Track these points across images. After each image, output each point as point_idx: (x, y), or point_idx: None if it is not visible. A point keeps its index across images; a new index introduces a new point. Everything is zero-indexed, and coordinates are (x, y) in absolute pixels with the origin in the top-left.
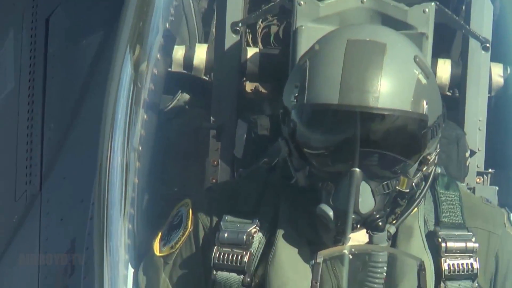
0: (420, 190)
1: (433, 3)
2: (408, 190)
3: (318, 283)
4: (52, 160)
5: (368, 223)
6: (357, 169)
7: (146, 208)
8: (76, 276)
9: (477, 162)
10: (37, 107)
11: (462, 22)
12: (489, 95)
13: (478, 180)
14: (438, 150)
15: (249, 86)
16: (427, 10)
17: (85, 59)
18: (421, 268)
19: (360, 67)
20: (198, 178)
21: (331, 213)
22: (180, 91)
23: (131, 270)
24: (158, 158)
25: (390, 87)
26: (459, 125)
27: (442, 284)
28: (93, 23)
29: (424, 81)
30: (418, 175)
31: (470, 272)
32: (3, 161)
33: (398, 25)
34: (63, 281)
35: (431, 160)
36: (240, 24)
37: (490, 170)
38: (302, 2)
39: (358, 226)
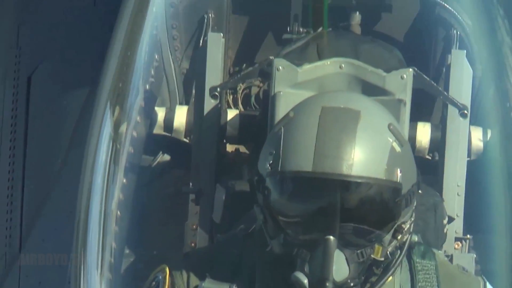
0: (395, 259)
1: (411, 69)
2: (383, 259)
3: None
4: (31, 222)
5: None
6: (331, 237)
7: (124, 272)
8: None
9: (455, 228)
10: (18, 167)
11: (440, 88)
12: (468, 158)
13: (456, 245)
14: (413, 219)
15: (229, 148)
16: (405, 76)
17: (66, 119)
18: None
19: (334, 134)
20: (177, 240)
21: (305, 281)
22: (160, 152)
23: None
24: (136, 221)
25: (364, 155)
26: (438, 190)
27: None
28: (75, 82)
29: (398, 149)
30: (393, 243)
31: None
32: None
33: (376, 91)
34: None
35: (406, 229)
36: (218, 89)
37: (468, 236)
38: (280, 67)
39: None
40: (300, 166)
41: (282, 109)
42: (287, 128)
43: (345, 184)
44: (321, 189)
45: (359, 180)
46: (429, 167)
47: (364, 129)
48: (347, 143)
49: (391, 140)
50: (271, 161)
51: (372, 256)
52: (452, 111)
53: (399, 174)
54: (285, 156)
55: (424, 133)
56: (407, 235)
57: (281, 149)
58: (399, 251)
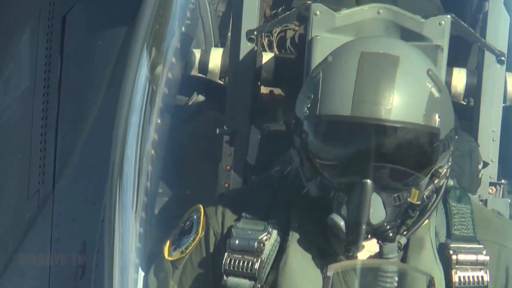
0: (431, 202)
1: (449, 16)
2: (419, 202)
3: None
4: (65, 160)
5: (379, 233)
6: (369, 181)
7: (158, 211)
8: (87, 278)
9: (490, 173)
10: (52, 107)
11: (477, 34)
12: (504, 104)
13: (490, 190)
14: (450, 163)
15: (264, 90)
16: (443, 22)
17: (101, 59)
18: (430, 284)
19: (373, 79)
20: (211, 181)
21: (342, 223)
22: (195, 93)
23: (141, 274)
24: (170, 161)
25: (403, 100)
26: (473, 135)
27: None
28: (110, 22)
29: (436, 94)
30: (429, 187)
31: (480, 284)
32: (17, 159)
33: (413, 36)
34: (74, 282)
35: (442, 173)
36: (255, 32)
37: (503, 180)
38: (318, 12)
39: (369, 236)
40: (339, 110)
41: (319, 54)
42: (326, 72)
43: (383, 129)
44: (359, 133)
45: (397, 125)
46: (464, 113)
47: (403, 74)
48: (386, 88)
49: (429, 85)
50: (309, 105)
51: (408, 199)
52: (488, 57)
53: (437, 119)
54: (323, 100)
55: (459, 78)
56: (444, 180)
57: (319, 93)
58: (435, 195)
